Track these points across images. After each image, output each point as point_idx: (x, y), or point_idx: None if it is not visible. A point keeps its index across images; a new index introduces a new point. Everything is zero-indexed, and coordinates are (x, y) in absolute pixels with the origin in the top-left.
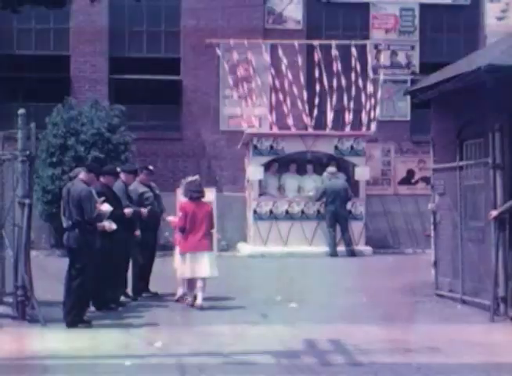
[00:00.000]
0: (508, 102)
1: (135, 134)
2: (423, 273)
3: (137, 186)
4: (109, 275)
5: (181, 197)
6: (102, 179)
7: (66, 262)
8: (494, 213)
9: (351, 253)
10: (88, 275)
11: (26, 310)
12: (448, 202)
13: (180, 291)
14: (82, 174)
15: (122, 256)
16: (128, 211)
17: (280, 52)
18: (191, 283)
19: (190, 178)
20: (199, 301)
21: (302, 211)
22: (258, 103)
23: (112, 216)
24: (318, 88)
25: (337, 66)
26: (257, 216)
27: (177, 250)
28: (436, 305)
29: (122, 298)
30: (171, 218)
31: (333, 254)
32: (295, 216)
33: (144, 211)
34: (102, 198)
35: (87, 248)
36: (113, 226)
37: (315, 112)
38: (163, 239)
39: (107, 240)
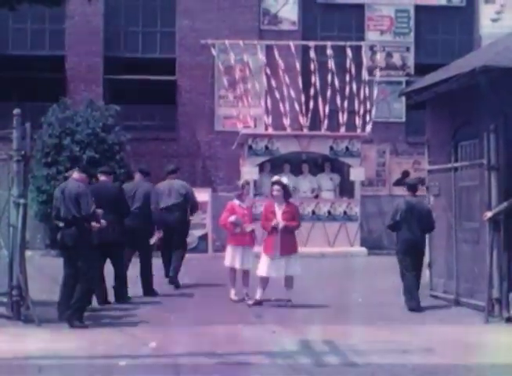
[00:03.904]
0: (503, 103)
1: (129, 134)
2: None
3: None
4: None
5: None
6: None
7: (61, 262)
8: (489, 214)
9: None
10: (92, 273)
11: (21, 310)
12: (443, 203)
13: (259, 293)
14: (76, 174)
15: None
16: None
17: (276, 52)
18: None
19: (277, 178)
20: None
21: None
22: (253, 103)
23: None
24: (313, 89)
25: (332, 67)
26: (252, 217)
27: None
28: (431, 306)
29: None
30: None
31: None
32: None
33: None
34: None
35: (82, 246)
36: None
37: (310, 113)
38: None
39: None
